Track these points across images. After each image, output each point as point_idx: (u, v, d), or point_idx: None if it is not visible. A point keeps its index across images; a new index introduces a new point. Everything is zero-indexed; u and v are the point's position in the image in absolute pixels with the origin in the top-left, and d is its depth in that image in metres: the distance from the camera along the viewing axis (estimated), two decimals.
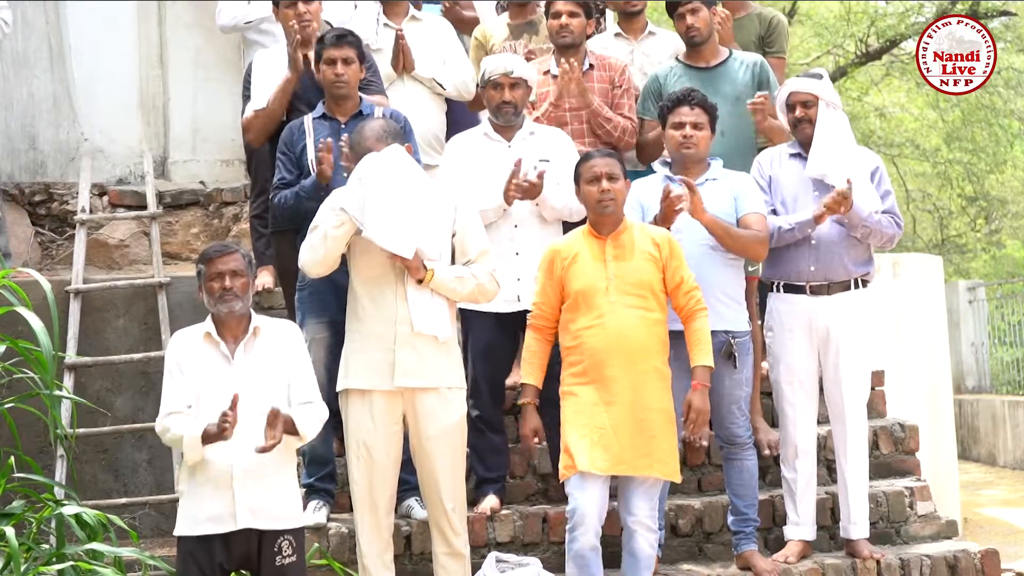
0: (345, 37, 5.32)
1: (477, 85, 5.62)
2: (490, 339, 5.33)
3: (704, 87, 5.74)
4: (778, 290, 5.38)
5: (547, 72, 5.86)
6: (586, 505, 4.68)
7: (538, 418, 4.90)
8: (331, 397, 4.80)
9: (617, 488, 4.80)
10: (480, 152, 5.45)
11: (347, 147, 4.91)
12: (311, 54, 5.51)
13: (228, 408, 4.14)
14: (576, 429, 4.73)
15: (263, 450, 4.17)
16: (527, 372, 4.92)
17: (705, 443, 5.77)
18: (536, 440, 4.93)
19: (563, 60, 5.71)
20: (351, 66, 5.28)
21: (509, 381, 5.59)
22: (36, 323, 4.43)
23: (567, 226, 5.38)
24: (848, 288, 5.31)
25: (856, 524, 5.37)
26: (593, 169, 4.86)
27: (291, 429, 4.28)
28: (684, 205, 5.01)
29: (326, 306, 5.06)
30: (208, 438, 4.19)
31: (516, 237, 5.34)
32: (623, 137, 5.77)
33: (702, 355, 4.83)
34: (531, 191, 5.24)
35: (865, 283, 5.38)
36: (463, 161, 5.45)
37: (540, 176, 5.22)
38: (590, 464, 4.66)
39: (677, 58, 6.03)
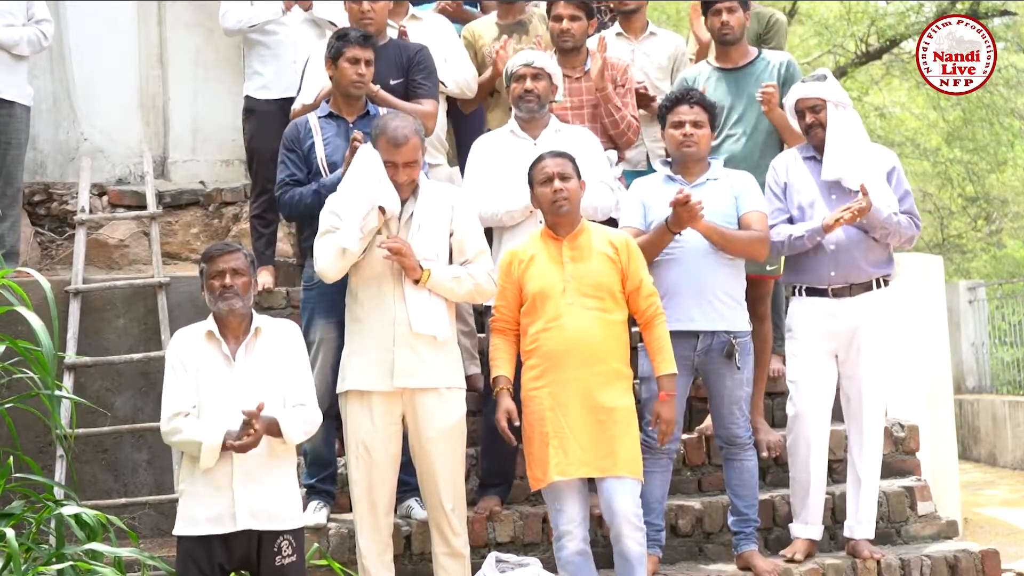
0: (370, 39, 5.33)
1: (505, 83, 5.60)
2: None
3: (731, 87, 5.77)
4: (800, 294, 5.38)
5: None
6: (567, 512, 4.69)
7: (511, 401, 4.79)
8: (336, 399, 4.80)
9: (597, 491, 4.77)
10: (506, 150, 5.44)
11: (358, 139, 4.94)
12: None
13: (249, 419, 4.16)
14: (538, 437, 4.72)
15: (237, 449, 4.17)
16: (497, 366, 4.83)
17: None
18: (507, 424, 4.75)
19: (566, 52, 5.71)
20: (370, 68, 5.29)
21: None
22: (36, 323, 4.43)
23: None
24: (870, 288, 5.31)
25: (862, 524, 5.36)
26: (544, 170, 4.83)
27: (275, 431, 4.27)
28: (703, 213, 4.98)
29: (335, 306, 5.01)
30: (227, 446, 4.20)
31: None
32: (626, 132, 5.77)
33: (666, 364, 4.81)
34: None
35: (886, 283, 5.37)
36: (490, 159, 5.44)
37: None
38: (556, 472, 4.64)
39: (707, 60, 6.02)
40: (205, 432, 4.23)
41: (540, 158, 4.91)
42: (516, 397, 4.84)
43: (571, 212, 4.84)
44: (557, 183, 4.79)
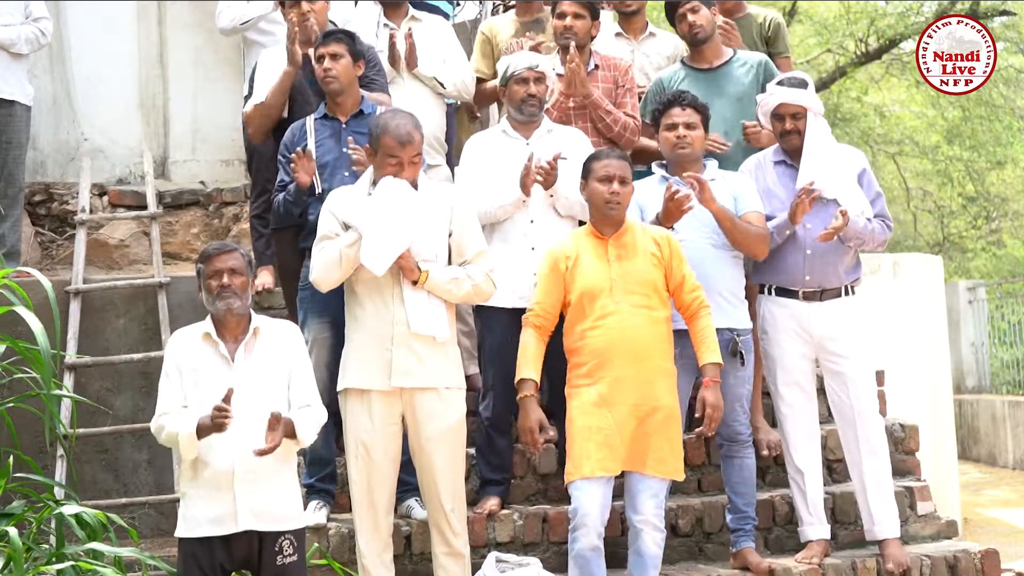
0: (334, 34, 5.38)
1: (501, 82, 5.59)
2: (504, 337, 5.27)
3: (708, 88, 5.75)
4: (770, 293, 5.38)
5: (552, 70, 5.86)
6: (588, 506, 4.70)
7: (540, 410, 4.85)
8: (333, 397, 4.80)
9: (623, 487, 4.80)
10: (499, 150, 5.45)
11: (355, 149, 4.94)
12: (312, 52, 5.53)
13: (222, 401, 4.13)
14: (581, 432, 4.75)
15: (261, 453, 4.16)
16: (525, 367, 4.86)
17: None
18: (541, 434, 4.80)
19: (568, 49, 5.69)
20: (339, 61, 5.30)
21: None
22: (35, 324, 4.43)
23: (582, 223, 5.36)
24: (839, 295, 5.33)
25: (880, 524, 5.32)
26: (607, 168, 4.86)
27: (290, 433, 4.27)
28: (691, 204, 5.02)
29: (327, 306, 5.05)
30: (202, 431, 4.18)
31: (531, 232, 5.32)
32: (623, 133, 5.77)
33: (710, 353, 4.87)
34: (547, 178, 5.22)
35: (854, 290, 5.40)
36: (482, 159, 5.45)
37: (555, 159, 5.20)
38: (596, 467, 4.68)
39: (682, 61, 6.02)
40: (180, 423, 4.22)
41: (601, 154, 4.96)
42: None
43: (619, 215, 4.88)
44: (616, 185, 4.84)
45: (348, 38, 5.39)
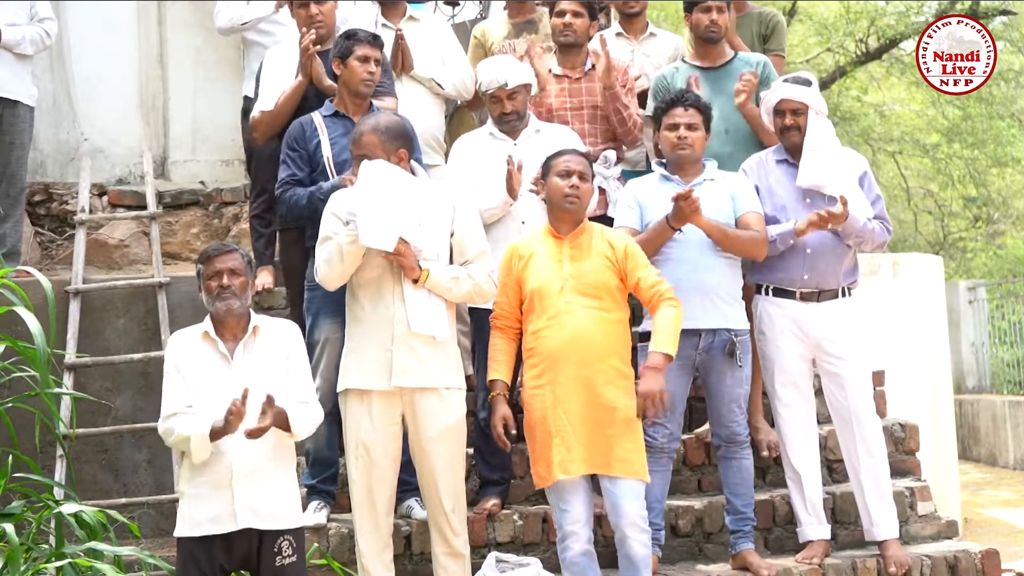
0: (378, 39, 5.36)
1: (480, 91, 5.61)
2: None
3: (709, 86, 5.76)
4: (767, 293, 5.38)
5: (548, 71, 5.87)
6: (571, 513, 4.69)
7: (507, 407, 4.82)
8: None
9: (602, 492, 4.77)
10: (486, 151, 5.45)
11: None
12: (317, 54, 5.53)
13: (238, 399, 4.14)
14: (541, 435, 4.73)
15: (250, 433, 4.16)
16: (494, 369, 4.86)
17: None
18: (504, 429, 4.78)
19: (567, 48, 5.78)
20: (380, 68, 5.33)
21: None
22: (33, 324, 4.42)
23: None
24: (836, 296, 5.33)
25: (878, 525, 5.33)
26: (567, 164, 4.86)
27: (284, 424, 4.28)
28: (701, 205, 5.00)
29: (340, 306, 5.00)
30: (216, 434, 4.19)
31: (523, 233, 5.33)
32: (632, 129, 5.79)
33: (660, 343, 4.75)
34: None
35: (852, 291, 5.40)
36: (469, 160, 5.45)
37: (508, 160, 5.21)
38: (560, 470, 4.65)
39: (683, 59, 6.03)
40: (192, 425, 4.23)
41: (560, 152, 4.95)
42: (513, 397, 4.84)
43: (578, 212, 4.87)
44: (576, 180, 4.83)
45: (383, 45, 5.42)
